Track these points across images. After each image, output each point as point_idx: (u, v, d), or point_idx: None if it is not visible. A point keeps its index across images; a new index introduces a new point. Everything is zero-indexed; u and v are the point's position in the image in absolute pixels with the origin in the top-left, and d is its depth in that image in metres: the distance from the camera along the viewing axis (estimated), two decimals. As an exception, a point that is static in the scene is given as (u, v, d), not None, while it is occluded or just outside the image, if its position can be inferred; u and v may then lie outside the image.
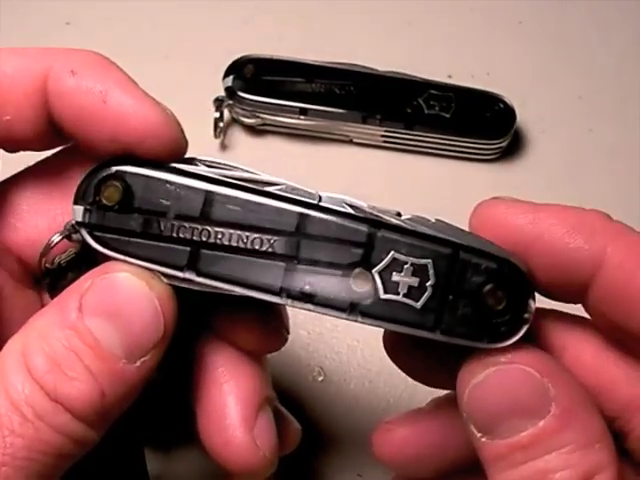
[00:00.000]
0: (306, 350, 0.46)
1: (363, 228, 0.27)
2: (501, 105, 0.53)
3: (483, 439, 0.27)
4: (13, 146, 0.30)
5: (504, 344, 0.27)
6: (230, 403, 0.32)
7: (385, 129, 0.53)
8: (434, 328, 0.27)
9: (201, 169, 0.28)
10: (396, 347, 0.32)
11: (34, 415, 0.25)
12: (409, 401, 0.44)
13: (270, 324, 0.32)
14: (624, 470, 0.26)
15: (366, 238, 0.27)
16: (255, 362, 0.33)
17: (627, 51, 0.59)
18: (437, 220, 0.28)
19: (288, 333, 0.34)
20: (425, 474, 0.35)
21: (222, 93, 0.54)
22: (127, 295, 0.27)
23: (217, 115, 0.54)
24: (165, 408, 0.36)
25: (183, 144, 0.29)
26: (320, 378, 0.45)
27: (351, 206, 0.28)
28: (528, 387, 0.26)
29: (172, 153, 0.28)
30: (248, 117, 0.54)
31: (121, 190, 0.28)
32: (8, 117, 0.29)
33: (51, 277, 0.31)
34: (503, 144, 0.53)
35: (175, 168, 0.28)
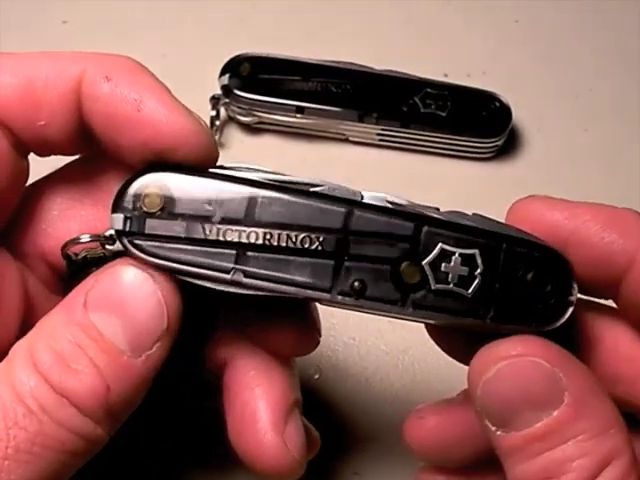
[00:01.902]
0: (303, 348, 0.46)
1: (409, 223, 0.28)
2: (497, 104, 0.53)
3: (498, 432, 0.27)
4: (45, 150, 0.30)
5: (552, 327, 0.28)
6: (261, 407, 0.32)
7: (381, 127, 0.53)
8: (484, 316, 0.28)
9: (241, 173, 0.28)
10: (439, 330, 0.33)
11: (38, 408, 0.25)
12: (406, 399, 0.44)
13: (303, 327, 0.32)
14: None
15: (413, 232, 0.28)
16: (285, 366, 0.33)
17: (623, 50, 0.59)
18: (474, 214, 0.29)
19: (320, 336, 0.34)
20: (454, 463, 0.35)
21: (218, 91, 0.54)
22: (130, 288, 0.27)
23: (213, 113, 0.54)
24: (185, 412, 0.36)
25: (214, 153, 0.29)
26: (317, 376, 0.45)
27: (392, 203, 0.28)
28: (540, 378, 0.27)
29: (203, 162, 0.28)
30: (244, 115, 0.54)
31: (162, 196, 0.28)
32: (42, 122, 0.28)
33: (73, 268, 0.31)
34: (499, 143, 0.54)
35: (214, 173, 0.28)
